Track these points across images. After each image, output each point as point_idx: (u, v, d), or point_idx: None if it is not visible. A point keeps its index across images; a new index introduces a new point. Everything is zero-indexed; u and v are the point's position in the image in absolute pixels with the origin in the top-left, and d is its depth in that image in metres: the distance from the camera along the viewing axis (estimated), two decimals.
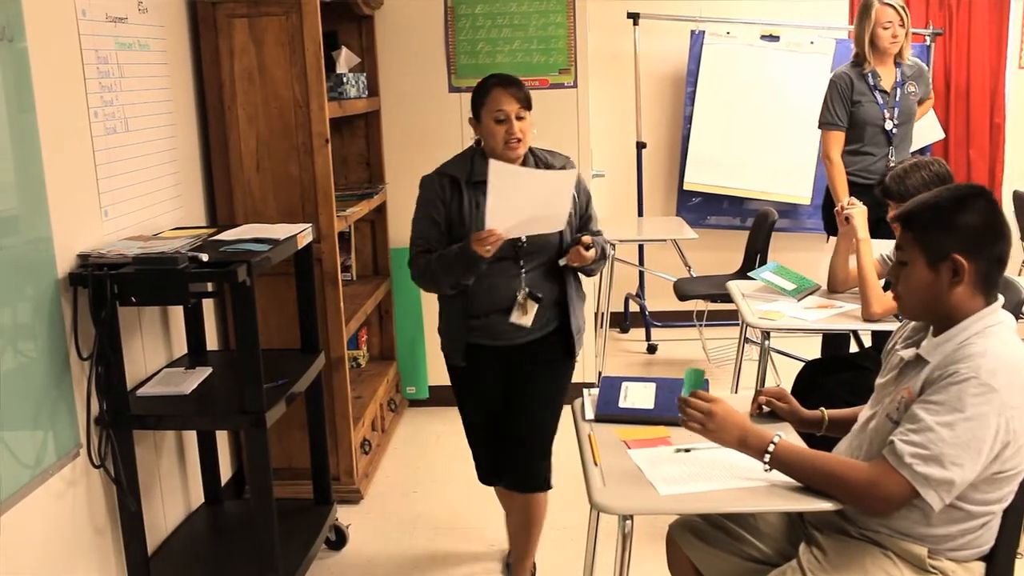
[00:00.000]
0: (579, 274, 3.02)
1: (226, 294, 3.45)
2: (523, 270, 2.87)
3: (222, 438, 3.70)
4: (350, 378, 3.88)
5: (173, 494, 3.33)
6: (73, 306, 2.66)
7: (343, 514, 3.60)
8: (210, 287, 2.79)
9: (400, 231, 4.77)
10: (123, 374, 2.72)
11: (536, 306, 2.87)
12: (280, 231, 3.09)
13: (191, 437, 3.46)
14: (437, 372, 4.88)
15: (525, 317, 2.86)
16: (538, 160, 2.91)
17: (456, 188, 2.86)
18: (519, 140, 2.80)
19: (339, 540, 3.48)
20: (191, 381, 2.95)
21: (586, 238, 2.87)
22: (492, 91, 2.81)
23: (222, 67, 3.60)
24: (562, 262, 2.91)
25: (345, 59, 4.38)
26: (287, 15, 3.55)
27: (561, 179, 2.80)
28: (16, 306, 2.46)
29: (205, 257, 2.67)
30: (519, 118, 2.80)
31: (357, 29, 4.62)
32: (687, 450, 2.25)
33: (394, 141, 4.74)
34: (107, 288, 2.62)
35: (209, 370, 3.08)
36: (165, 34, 3.38)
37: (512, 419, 3.03)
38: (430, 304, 4.77)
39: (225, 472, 3.48)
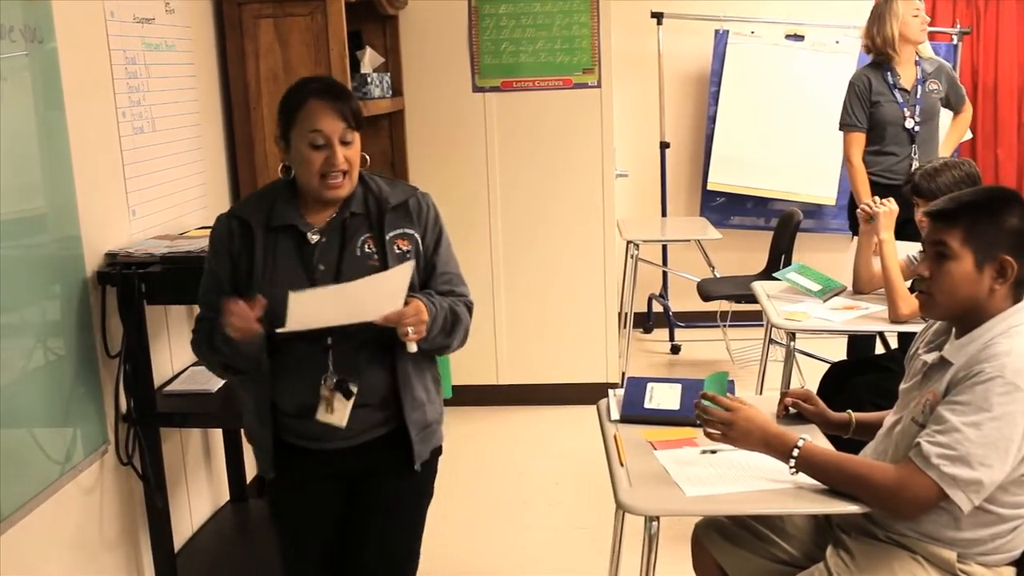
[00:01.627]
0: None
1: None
2: (330, 349, 2.09)
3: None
4: None
5: (199, 492, 3.35)
6: (101, 304, 2.69)
7: None
8: None
9: None
10: (150, 372, 2.74)
11: (349, 402, 2.09)
12: None
13: (216, 435, 3.48)
14: (461, 372, 4.86)
15: (334, 415, 2.10)
16: (369, 190, 2.15)
17: (248, 235, 2.10)
18: (343, 173, 2.06)
19: None
20: (217, 379, 2.96)
21: (413, 304, 2.04)
22: (307, 103, 2.04)
23: (247, 67, 3.62)
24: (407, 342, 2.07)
25: (369, 59, 4.39)
26: (312, 15, 3.56)
27: (395, 278, 2.02)
28: (45, 304, 2.48)
29: None
30: (344, 142, 2.05)
31: (381, 29, 4.63)
32: (713, 451, 2.24)
33: (418, 141, 4.75)
34: (135, 287, 2.64)
35: None
36: (191, 35, 3.40)
37: (347, 567, 2.28)
38: None
39: (250, 471, 3.50)
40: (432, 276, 2.19)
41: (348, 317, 2.01)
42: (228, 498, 3.50)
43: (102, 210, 2.75)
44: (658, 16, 5.83)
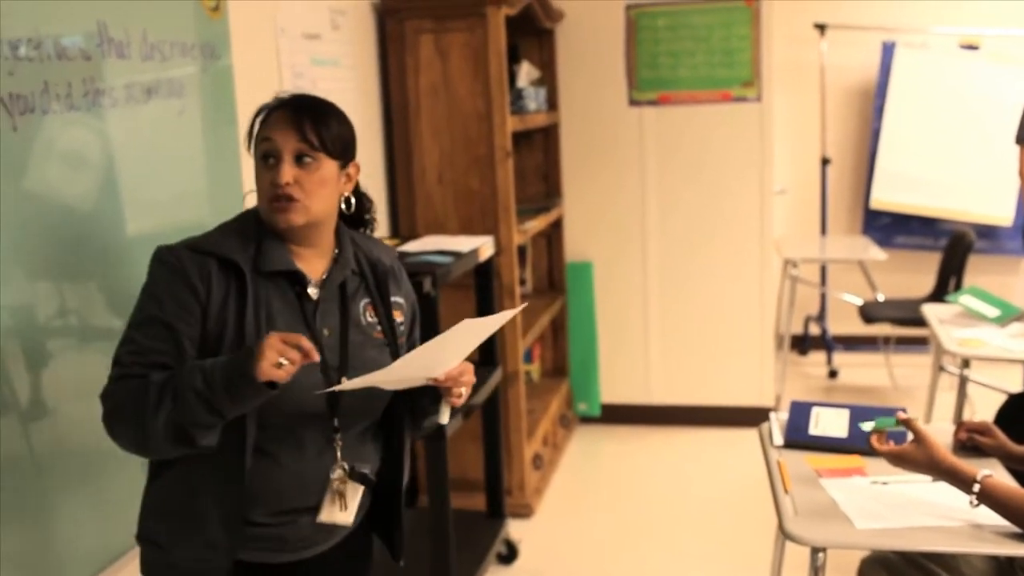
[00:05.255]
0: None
1: None
2: (338, 434, 1.70)
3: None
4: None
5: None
6: None
7: (514, 528, 3.59)
8: None
9: (576, 246, 4.76)
10: None
11: (360, 490, 1.73)
12: (462, 243, 3.11)
13: None
14: (610, 390, 4.83)
15: (345, 512, 1.71)
16: (356, 247, 1.80)
17: (234, 279, 1.65)
18: (288, 200, 1.63)
19: (510, 554, 3.47)
20: None
21: (465, 363, 1.71)
22: (274, 112, 1.69)
23: (407, 81, 3.67)
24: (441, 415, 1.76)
25: (526, 73, 4.40)
26: (472, 30, 3.59)
27: (479, 328, 1.67)
28: None
29: None
30: (300, 162, 1.64)
31: (537, 43, 4.64)
32: (884, 483, 2.12)
33: (572, 155, 4.73)
34: None
35: None
36: (354, 50, 3.48)
37: None
38: (606, 320, 4.78)
39: None
40: (409, 348, 1.84)
41: (401, 381, 1.68)
42: None
43: None
44: (821, 27, 5.65)
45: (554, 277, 4.79)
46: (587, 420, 4.86)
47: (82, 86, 2.04)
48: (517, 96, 4.15)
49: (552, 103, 4.65)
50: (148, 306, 1.63)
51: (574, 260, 4.77)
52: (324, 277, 1.73)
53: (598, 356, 4.81)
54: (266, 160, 1.66)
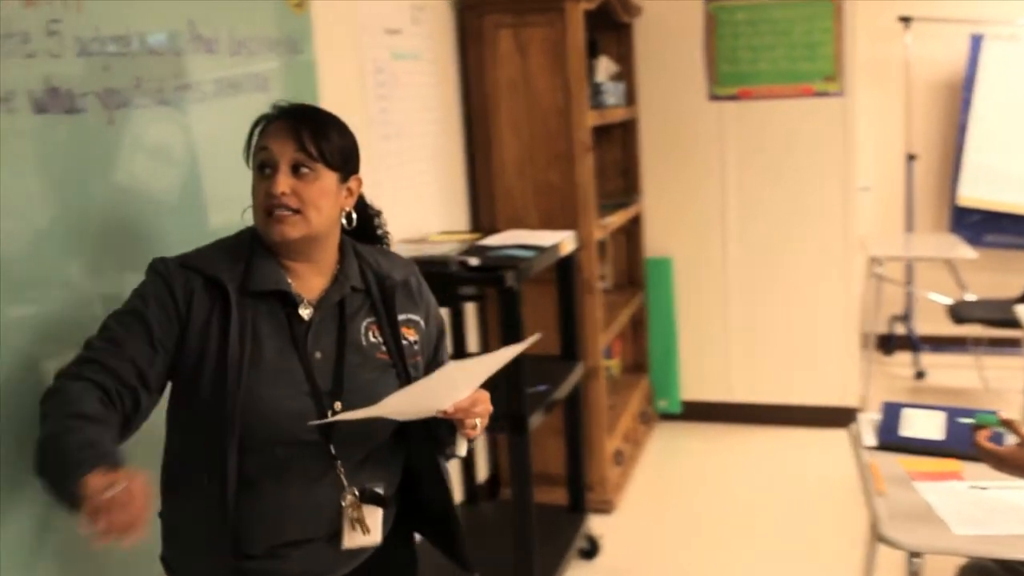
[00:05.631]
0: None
1: (489, 299, 3.50)
2: (338, 461, 1.62)
3: (479, 439, 3.76)
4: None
5: None
6: None
7: (595, 524, 3.56)
8: (475, 291, 2.83)
9: (655, 241, 4.71)
10: None
11: (380, 510, 1.66)
12: (544, 238, 3.10)
13: None
14: (690, 386, 4.77)
15: (368, 535, 1.64)
16: (364, 262, 1.72)
17: (217, 299, 1.59)
18: (287, 211, 1.57)
19: (592, 549, 3.44)
20: None
21: (480, 392, 1.65)
22: (273, 122, 1.63)
23: (486, 76, 3.67)
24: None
25: (604, 67, 4.36)
26: (551, 25, 3.57)
27: (489, 363, 1.63)
28: None
29: (474, 261, 2.71)
30: (298, 172, 1.58)
31: (616, 37, 4.60)
32: (983, 488, 2.04)
33: (651, 150, 4.68)
34: None
35: None
36: (434, 45, 3.49)
37: None
38: (686, 316, 4.72)
39: (481, 473, 3.54)
40: (428, 366, 1.76)
41: (404, 414, 1.62)
42: (460, 499, 3.54)
43: None
44: (906, 20, 5.50)
45: (633, 272, 4.74)
46: (667, 417, 4.81)
47: (173, 81, 2.07)
48: (596, 90, 4.11)
49: (631, 98, 4.60)
50: (133, 302, 1.59)
51: (653, 256, 4.72)
52: (321, 296, 1.64)
53: (678, 352, 4.76)
54: (262, 170, 1.59)
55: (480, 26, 3.66)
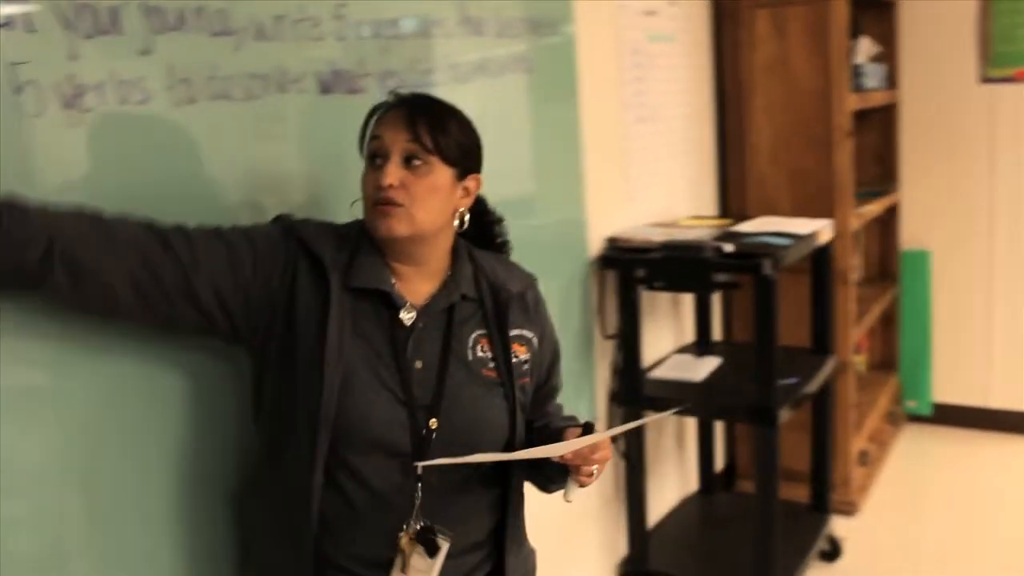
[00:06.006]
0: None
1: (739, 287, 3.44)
2: (420, 482, 1.46)
3: (717, 428, 3.69)
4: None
5: (669, 477, 3.39)
6: (600, 287, 2.79)
7: (836, 525, 3.42)
8: (729, 278, 2.78)
9: (912, 233, 4.44)
10: (639, 356, 2.80)
11: (435, 561, 1.46)
12: (799, 226, 2.99)
13: (690, 424, 3.50)
14: (943, 388, 4.49)
15: None
16: (479, 270, 1.58)
17: (317, 280, 1.46)
18: (393, 205, 1.44)
19: (833, 552, 3.31)
20: (702, 369, 2.97)
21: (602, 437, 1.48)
22: (389, 110, 1.50)
23: (741, 58, 3.58)
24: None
25: (865, 48, 4.15)
26: (812, 4, 3.43)
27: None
28: (549, 283, 2.61)
29: (729, 248, 2.66)
30: (410, 164, 1.45)
31: (877, 16, 4.35)
32: None
33: (912, 137, 4.40)
34: (634, 272, 2.70)
35: (718, 360, 3.08)
36: (689, 26, 3.44)
37: None
38: (943, 313, 4.43)
39: (719, 463, 3.49)
40: (546, 396, 1.66)
41: (522, 456, 1.45)
42: (696, 488, 3.51)
43: (605, 196, 2.85)
44: None
45: (886, 265, 4.50)
46: (916, 419, 4.54)
47: (443, 62, 2.15)
48: (855, 73, 3.92)
49: (892, 80, 4.35)
50: (236, 226, 1.48)
51: (910, 248, 4.46)
52: (426, 302, 1.51)
53: (931, 351, 4.48)
54: (373, 160, 1.47)
55: (736, 7, 3.57)
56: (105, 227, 1.32)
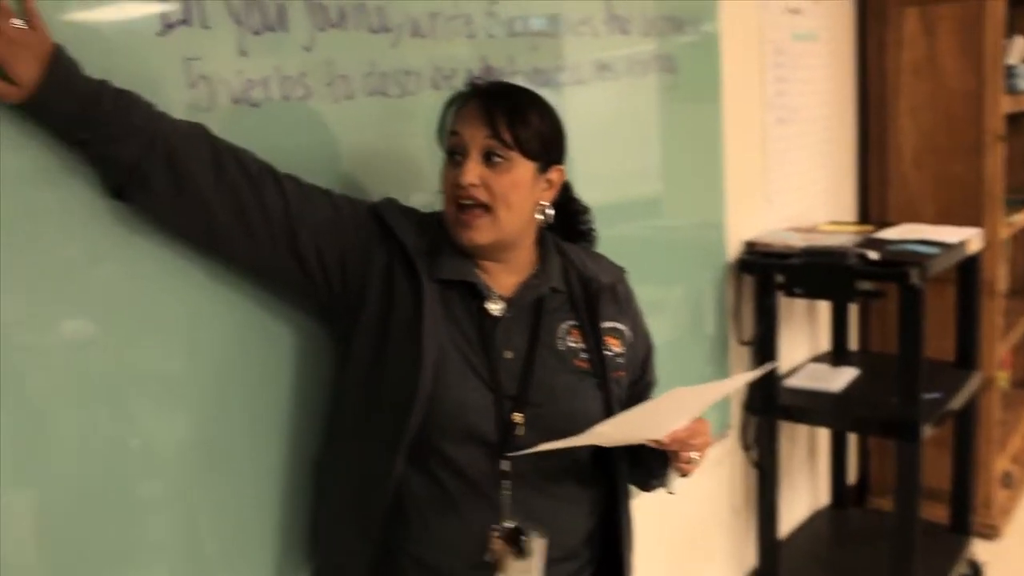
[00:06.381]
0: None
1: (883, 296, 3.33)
2: (507, 478, 1.40)
3: (850, 441, 3.58)
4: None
5: (800, 489, 3.30)
6: (736, 291, 2.73)
7: (977, 548, 3.27)
8: (873, 287, 2.68)
9: None
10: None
11: (535, 551, 1.39)
12: (947, 234, 2.87)
13: (823, 436, 3.40)
14: None
15: None
16: (568, 262, 1.53)
17: (405, 267, 1.42)
18: (475, 207, 1.39)
19: None
20: (839, 379, 2.88)
21: (701, 421, 1.42)
22: (467, 103, 1.43)
23: (887, 58, 3.46)
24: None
25: (1019, 48, 3.96)
26: (965, 1, 3.29)
27: (718, 390, 1.48)
28: (687, 285, 2.57)
29: (873, 255, 2.57)
30: (490, 161, 1.39)
31: None
32: None
33: None
34: (772, 277, 2.64)
35: (856, 371, 2.98)
36: (832, 25, 3.34)
37: None
38: None
39: (851, 476, 3.38)
40: (643, 391, 1.59)
41: (614, 440, 1.42)
42: (827, 501, 3.41)
43: (743, 198, 2.79)
44: None
45: None
46: None
47: (589, 60, 2.12)
48: (1007, 74, 3.74)
49: None
50: (341, 199, 1.45)
51: None
52: (514, 293, 1.46)
53: None
54: (452, 157, 1.41)
55: (882, 5, 3.45)
56: (219, 145, 1.31)
